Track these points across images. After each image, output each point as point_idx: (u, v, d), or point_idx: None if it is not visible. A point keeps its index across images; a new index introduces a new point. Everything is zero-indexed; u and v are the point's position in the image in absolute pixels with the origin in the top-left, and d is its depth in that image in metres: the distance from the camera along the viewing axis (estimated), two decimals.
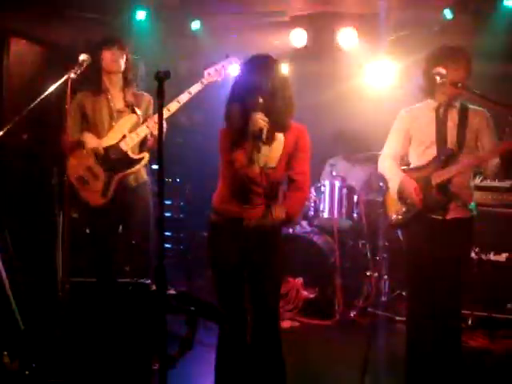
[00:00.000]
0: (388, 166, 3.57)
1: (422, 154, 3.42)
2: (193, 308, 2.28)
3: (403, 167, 3.54)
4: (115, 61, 3.91)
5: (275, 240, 3.00)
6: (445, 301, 3.28)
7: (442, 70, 3.22)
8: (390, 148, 3.60)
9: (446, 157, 3.31)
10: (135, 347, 3.74)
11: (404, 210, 3.44)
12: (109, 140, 3.89)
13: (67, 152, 3.80)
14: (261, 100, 2.73)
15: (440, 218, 3.31)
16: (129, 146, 3.88)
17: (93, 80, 3.93)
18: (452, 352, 3.30)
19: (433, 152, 3.37)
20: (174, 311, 2.16)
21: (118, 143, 3.87)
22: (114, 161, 3.87)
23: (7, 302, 3.65)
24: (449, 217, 3.31)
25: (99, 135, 3.90)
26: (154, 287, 2.06)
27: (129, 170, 3.91)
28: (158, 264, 2.26)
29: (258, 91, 2.75)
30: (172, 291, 2.08)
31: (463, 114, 3.35)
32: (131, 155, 3.90)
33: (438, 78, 3.23)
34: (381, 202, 5.22)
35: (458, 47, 3.34)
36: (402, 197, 3.44)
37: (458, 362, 3.31)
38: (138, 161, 3.93)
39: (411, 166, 3.52)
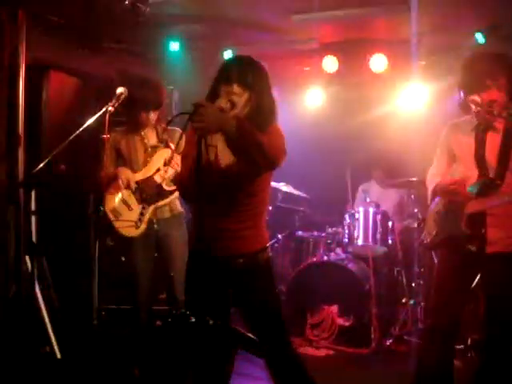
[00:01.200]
0: (432, 180, 3.30)
1: (464, 176, 3.15)
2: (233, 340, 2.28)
3: None
4: (151, 119, 4.01)
5: (262, 278, 2.67)
6: (496, 339, 3.10)
7: (477, 98, 3.02)
8: (436, 167, 3.35)
9: (483, 186, 3.03)
10: (172, 375, 3.75)
11: (434, 232, 3.25)
12: (143, 174, 3.99)
13: (104, 188, 3.93)
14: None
15: (474, 249, 3.06)
16: (163, 178, 3.95)
17: (128, 120, 4.05)
18: None
19: (474, 175, 3.09)
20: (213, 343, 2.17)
21: (152, 176, 3.96)
22: (148, 193, 3.96)
23: (45, 330, 3.70)
24: (490, 250, 3.04)
25: (135, 170, 4.01)
26: (193, 318, 2.08)
27: (162, 202, 3.99)
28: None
29: None
30: (210, 322, 2.09)
31: (508, 133, 3.05)
32: (165, 187, 3.97)
33: (473, 106, 3.04)
34: (415, 228, 5.21)
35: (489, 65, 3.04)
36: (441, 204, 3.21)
37: None
38: (172, 192, 4.00)
39: None
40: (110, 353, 4.19)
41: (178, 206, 4.11)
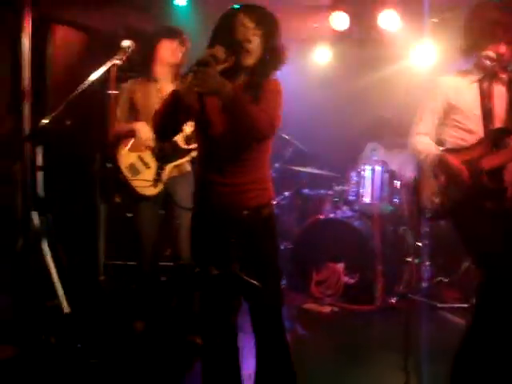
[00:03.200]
0: (422, 142, 3.09)
1: (464, 133, 3.02)
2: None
3: (440, 148, 3.08)
4: (174, 53, 3.85)
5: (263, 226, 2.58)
6: None
7: (492, 54, 2.90)
8: (425, 126, 3.12)
9: (495, 139, 2.90)
10: (176, 327, 3.80)
11: (443, 199, 3.00)
12: None
13: (113, 142, 3.85)
14: None
15: (495, 208, 2.89)
16: (179, 136, 3.77)
17: (143, 68, 3.89)
18: None
19: (478, 131, 2.97)
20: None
21: None
22: (165, 151, 3.83)
23: (53, 286, 3.73)
24: (509, 205, 2.89)
25: (149, 123, 3.81)
26: (197, 269, 2.09)
27: (179, 160, 3.88)
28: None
29: None
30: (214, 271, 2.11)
31: None
32: (181, 145, 3.86)
33: (487, 62, 2.91)
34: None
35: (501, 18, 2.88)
36: (440, 178, 3.01)
37: None
38: (188, 151, 3.88)
39: (449, 147, 3.06)
40: (115, 308, 4.25)
41: (187, 166, 4.00)
